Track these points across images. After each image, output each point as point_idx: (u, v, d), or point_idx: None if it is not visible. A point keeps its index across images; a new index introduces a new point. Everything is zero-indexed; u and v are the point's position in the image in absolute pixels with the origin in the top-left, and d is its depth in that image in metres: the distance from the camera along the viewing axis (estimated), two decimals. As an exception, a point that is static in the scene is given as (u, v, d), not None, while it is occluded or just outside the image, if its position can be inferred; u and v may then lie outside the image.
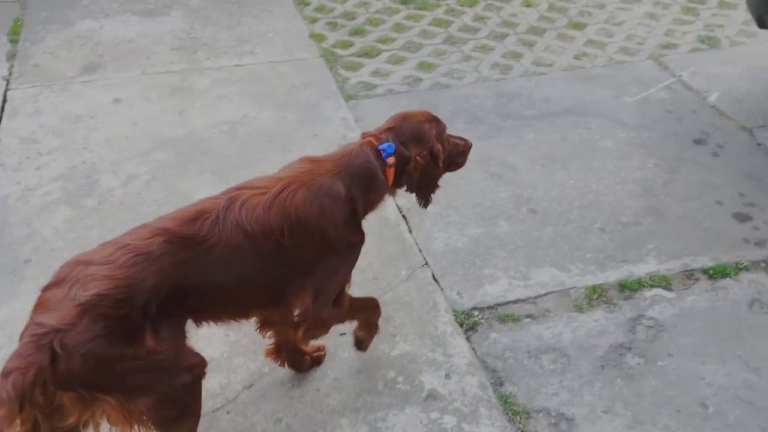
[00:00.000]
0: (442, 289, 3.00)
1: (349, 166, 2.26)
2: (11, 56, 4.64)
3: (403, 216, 3.38)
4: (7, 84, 4.34)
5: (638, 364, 2.67)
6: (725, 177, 3.59)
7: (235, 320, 2.27)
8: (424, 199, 2.51)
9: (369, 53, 4.70)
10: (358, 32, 4.95)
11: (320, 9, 5.25)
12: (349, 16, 5.16)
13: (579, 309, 2.91)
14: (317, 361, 2.69)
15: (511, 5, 5.30)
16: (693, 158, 3.73)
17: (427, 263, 3.12)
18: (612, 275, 3.06)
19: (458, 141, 2.57)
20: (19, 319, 2.82)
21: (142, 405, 1.92)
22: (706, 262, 3.11)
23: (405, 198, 3.46)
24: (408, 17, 5.16)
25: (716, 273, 3.04)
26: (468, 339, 2.79)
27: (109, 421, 1.93)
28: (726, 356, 2.69)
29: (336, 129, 3.98)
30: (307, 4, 5.31)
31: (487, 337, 2.80)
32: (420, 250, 3.19)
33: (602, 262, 3.13)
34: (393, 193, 2.47)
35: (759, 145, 3.82)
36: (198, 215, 2.04)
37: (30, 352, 1.75)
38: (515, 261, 3.14)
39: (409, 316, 2.88)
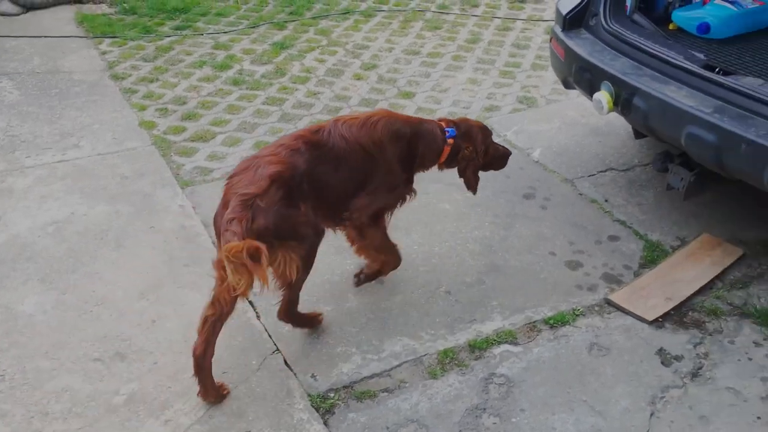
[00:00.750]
0: (295, 374, 2.92)
1: (419, 124, 3.16)
2: None
3: (250, 302, 3.28)
4: None
5: (494, 424, 2.70)
6: (554, 228, 3.81)
7: (336, 214, 3.01)
8: (471, 187, 3.38)
9: (203, 137, 4.63)
10: (190, 117, 4.87)
11: (149, 96, 5.13)
12: (180, 101, 5.07)
13: (433, 375, 2.92)
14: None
15: (342, 79, 5.44)
16: (524, 213, 3.93)
17: (278, 349, 3.03)
18: (461, 337, 3.12)
19: (500, 147, 3.45)
20: None
21: (303, 251, 2.72)
22: (547, 312, 3.25)
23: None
24: (241, 98, 5.15)
25: (556, 322, 3.18)
26: (326, 423, 2.71)
27: (278, 270, 2.65)
28: (573, 403, 2.79)
29: (174, 218, 3.84)
30: (135, 92, 5.17)
31: (345, 418, 2.73)
32: (270, 336, 3.10)
33: (451, 324, 3.18)
34: (441, 168, 3.30)
35: (581, 194, 4.10)
36: (318, 128, 2.94)
37: (240, 209, 2.54)
38: (367, 335, 3.12)
39: (264, 407, 2.77)
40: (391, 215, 3.18)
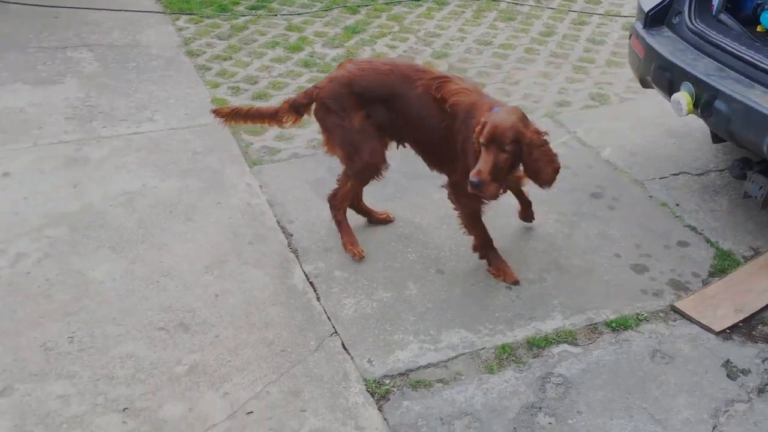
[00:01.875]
0: (352, 357, 2.94)
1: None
2: None
3: (311, 283, 3.32)
4: None
5: (549, 423, 2.67)
6: (622, 229, 3.72)
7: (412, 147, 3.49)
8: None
9: (273, 117, 4.67)
10: (261, 96, 4.93)
11: (222, 73, 5.22)
12: (252, 80, 5.14)
13: (490, 370, 2.91)
14: None
15: (412, 67, 5.41)
16: (591, 212, 3.86)
17: (336, 331, 3.06)
18: (520, 333, 3.09)
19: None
20: None
21: (336, 145, 3.37)
22: (609, 315, 3.18)
23: (313, 264, 3.43)
24: (311, 80, 5.18)
25: (618, 325, 3.12)
26: (380, 409, 2.73)
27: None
28: (632, 409, 2.73)
29: (241, 196, 3.90)
30: (209, 69, 5.27)
31: (399, 405, 2.74)
32: (329, 318, 3.13)
33: (510, 320, 3.16)
34: None
35: (651, 197, 3.99)
36: (420, 69, 3.28)
37: (302, 96, 3.42)
38: (425, 324, 3.12)
39: (320, 388, 2.80)
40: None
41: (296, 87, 5.08)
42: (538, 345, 3.02)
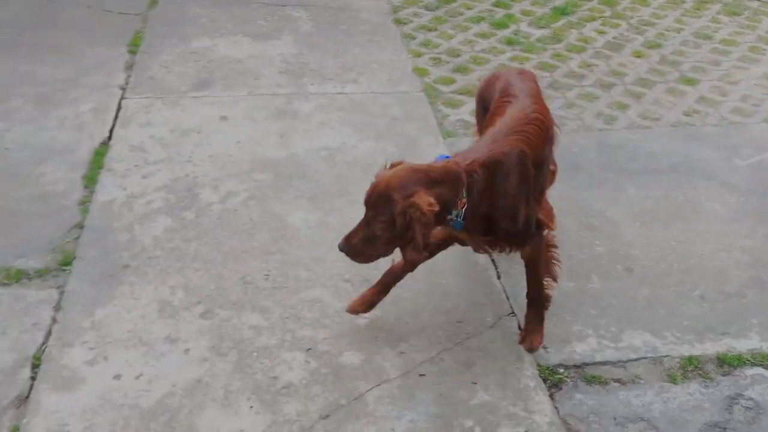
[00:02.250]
0: (528, 341, 2.92)
1: None
2: (129, 67, 4.86)
3: (492, 260, 3.32)
4: (123, 93, 4.55)
5: (734, 447, 2.51)
6: (842, 255, 3.37)
7: None
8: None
9: (471, 92, 4.67)
10: (461, 70, 4.95)
11: (426, 44, 5.29)
12: (454, 53, 5.17)
13: (672, 379, 2.77)
14: None
15: (621, 54, 5.18)
16: (807, 231, 3.52)
17: (513, 312, 3.05)
18: (710, 347, 2.90)
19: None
20: (114, 321, 2.93)
21: None
22: (816, 345, 2.91)
23: (497, 242, 3.42)
24: (513, 58, 5.12)
25: (826, 359, 2.84)
26: (551, 397, 2.69)
27: None
28: (833, 452, 2.49)
29: (432, 165, 3.96)
30: (413, 38, 5.36)
31: (572, 397, 2.69)
32: (507, 298, 3.12)
33: (701, 332, 2.98)
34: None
35: None
36: (509, 81, 3.00)
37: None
38: (606, 320, 3.02)
39: (492, 365, 2.81)
40: None
41: (497, 64, 5.04)
42: (729, 363, 2.83)
